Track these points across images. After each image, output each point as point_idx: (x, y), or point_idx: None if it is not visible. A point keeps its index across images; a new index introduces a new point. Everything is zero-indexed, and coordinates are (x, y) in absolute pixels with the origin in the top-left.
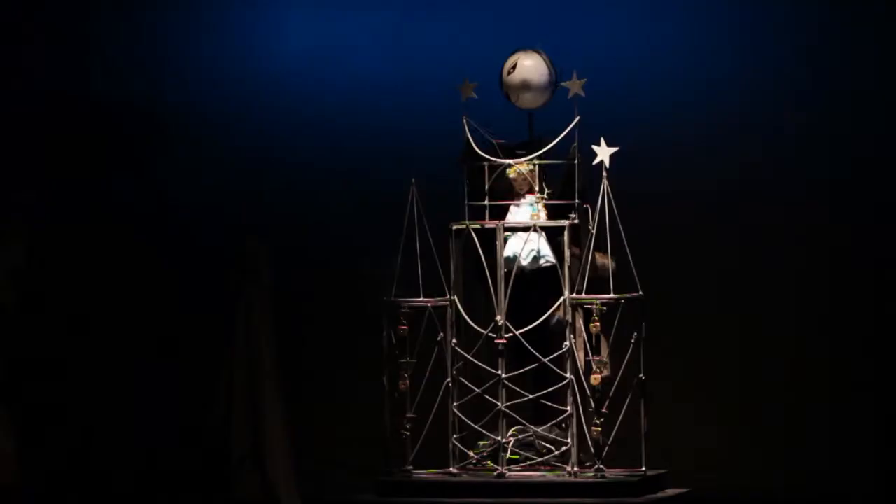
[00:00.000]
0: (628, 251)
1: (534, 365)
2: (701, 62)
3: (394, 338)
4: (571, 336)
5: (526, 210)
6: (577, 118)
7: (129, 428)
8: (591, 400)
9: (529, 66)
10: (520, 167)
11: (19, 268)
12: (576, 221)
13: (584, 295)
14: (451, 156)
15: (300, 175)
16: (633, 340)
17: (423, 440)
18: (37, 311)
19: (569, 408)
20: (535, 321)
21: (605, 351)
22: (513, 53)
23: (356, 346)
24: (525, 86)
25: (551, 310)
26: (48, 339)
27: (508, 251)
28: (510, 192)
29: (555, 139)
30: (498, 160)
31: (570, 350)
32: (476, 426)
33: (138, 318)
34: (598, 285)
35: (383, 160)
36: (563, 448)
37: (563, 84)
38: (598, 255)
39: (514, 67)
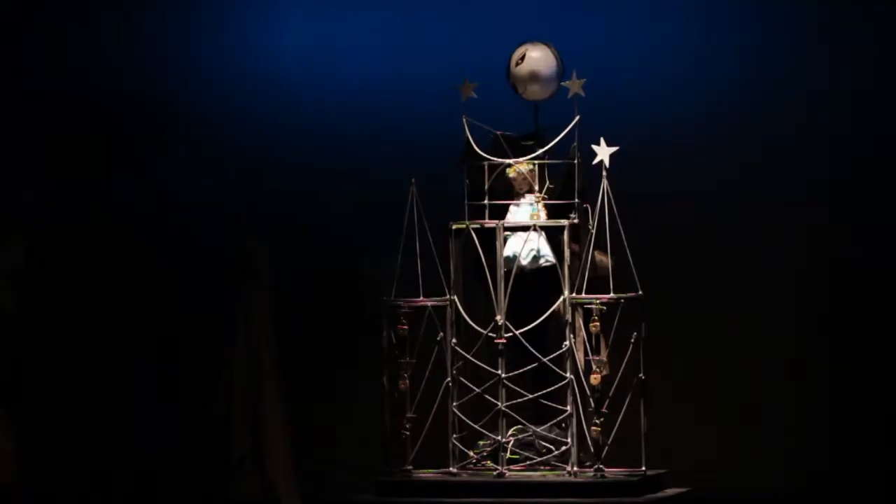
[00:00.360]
0: (628, 251)
1: (534, 365)
2: (701, 62)
3: (394, 338)
4: (571, 336)
5: (526, 210)
6: (577, 118)
7: (129, 428)
8: (591, 400)
9: (537, 58)
10: (519, 167)
11: (19, 268)
12: (576, 221)
13: (583, 295)
14: (452, 156)
15: (300, 175)
16: (632, 340)
17: (423, 440)
18: (37, 311)
19: (569, 408)
20: (535, 321)
21: (604, 351)
22: (520, 45)
23: (356, 346)
24: (533, 77)
25: (551, 309)
26: (48, 339)
27: (508, 251)
28: (510, 191)
29: (558, 133)
30: (497, 160)
31: (570, 350)
32: (476, 426)
33: (138, 318)
34: (597, 285)
35: (383, 160)
36: (563, 448)
37: (562, 84)
38: (596, 254)
39: (522, 58)
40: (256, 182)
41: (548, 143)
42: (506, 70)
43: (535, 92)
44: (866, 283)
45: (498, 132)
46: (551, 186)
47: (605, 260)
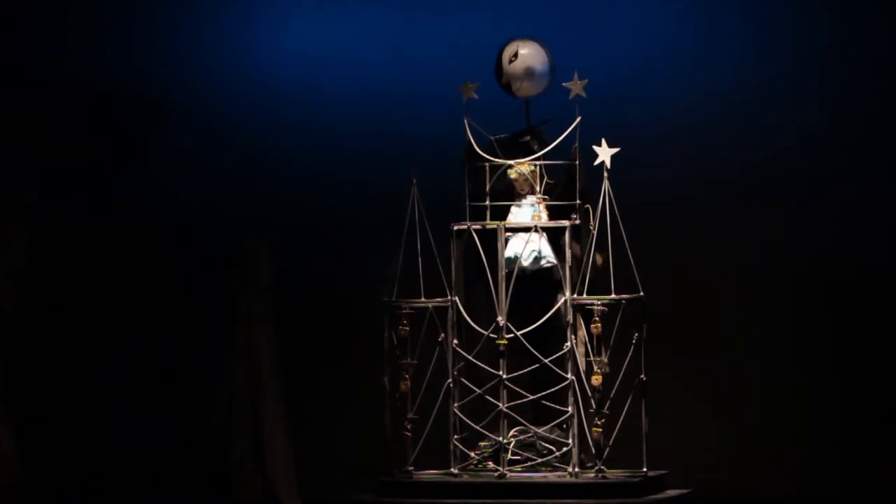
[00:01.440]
0: (629, 251)
1: (535, 366)
2: (702, 62)
3: (395, 338)
4: (572, 337)
5: (527, 211)
6: (579, 118)
7: (129, 428)
8: (592, 401)
9: (531, 54)
10: (520, 168)
11: (19, 268)
12: (577, 222)
13: (584, 296)
14: (453, 156)
15: (301, 175)
16: (633, 341)
17: (424, 441)
18: (37, 311)
19: (570, 408)
20: (536, 321)
21: (605, 351)
22: (508, 43)
23: (356, 346)
24: (529, 73)
25: (552, 310)
26: (48, 339)
27: (510, 252)
28: (512, 192)
29: (554, 127)
30: (499, 161)
31: (571, 351)
32: (477, 426)
33: (138, 318)
34: (597, 285)
35: (384, 160)
36: (564, 449)
37: (564, 84)
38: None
39: (515, 56)
40: (257, 183)
41: (543, 137)
42: (496, 69)
43: (528, 88)
44: (867, 283)
45: (492, 137)
46: (551, 182)
47: (598, 257)
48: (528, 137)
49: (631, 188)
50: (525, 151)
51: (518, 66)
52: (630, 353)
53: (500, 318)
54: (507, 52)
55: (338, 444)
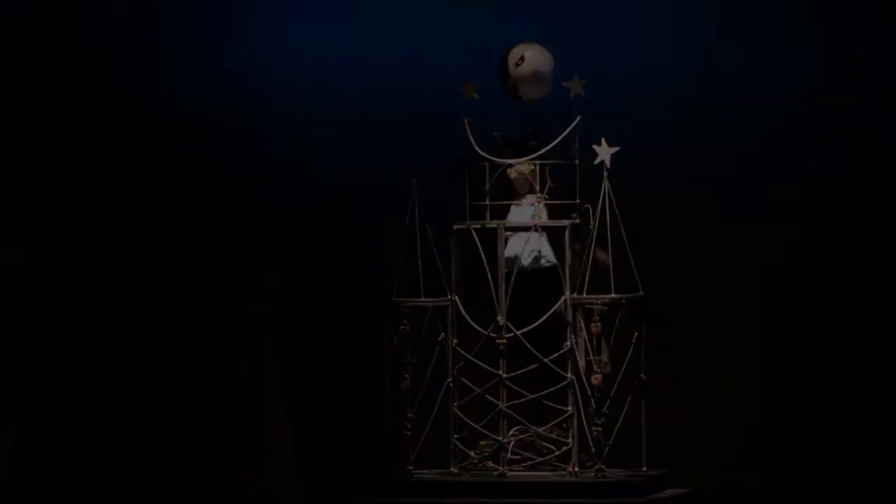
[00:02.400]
0: (629, 251)
1: (534, 365)
2: (702, 62)
3: (395, 338)
4: (572, 336)
5: (527, 210)
6: (579, 118)
7: (129, 429)
8: (592, 400)
9: (536, 57)
10: (520, 167)
11: (20, 269)
12: (577, 222)
13: (584, 295)
14: (454, 156)
15: (301, 175)
16: (633, 340)
17: (424, 440)
18: (37, 311)
19: (570, 408)
20: (536, 321)
21: (605, 351)
22: (512, 48)
23: (356, 345)
24: (536, 76)
25: (552, 310)
26: (48, 339)
27: (509, 251)
28: (512, 192)
29: (553, 130)
30: (499, 160)
31: (571, 350)
32: (477, 426)
33: (138, 318)
34: (598, 284)
35: (384, 160)
36: (564, 448)
37: (563, 84)
38: (596, 250)
39: (521, 60)
40: (257, 183)
41: (548, 133)
42: (500, 74)
43: (534, 91)
44: (867, 283)
45: (496, 134)
46: (552, 185)
47: (605, 257)
48: (534, 143)
49: (631, 188)
50: (528, 152)
51: (525, 69)
52: (630, 353)
53: (499, 318)
54: (513, 57)
55: (338, 444)
